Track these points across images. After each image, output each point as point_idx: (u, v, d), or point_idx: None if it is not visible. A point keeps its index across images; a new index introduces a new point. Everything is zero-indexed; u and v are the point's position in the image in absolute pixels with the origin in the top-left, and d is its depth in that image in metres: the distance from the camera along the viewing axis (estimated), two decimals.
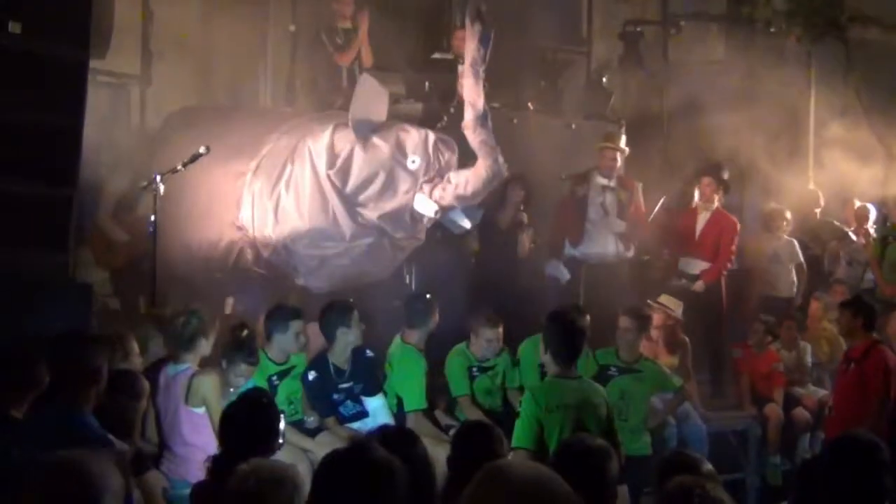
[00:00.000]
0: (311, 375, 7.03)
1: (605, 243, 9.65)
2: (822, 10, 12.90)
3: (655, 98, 13.41)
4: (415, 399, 7.28)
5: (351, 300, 7.42)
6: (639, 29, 13.55)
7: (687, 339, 8.90)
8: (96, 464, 2.87)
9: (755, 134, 12.14)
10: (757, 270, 11.02)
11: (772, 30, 13.50)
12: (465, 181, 8.06)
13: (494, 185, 8.22)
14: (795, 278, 10.92)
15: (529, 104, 10.85)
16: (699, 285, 9.86)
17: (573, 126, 10.62)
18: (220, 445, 4.52)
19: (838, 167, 12.31)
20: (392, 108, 9.61)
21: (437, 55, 10.26)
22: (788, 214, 11.10)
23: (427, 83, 9.70)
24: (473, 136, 7.94)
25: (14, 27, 5.58)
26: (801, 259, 10.95)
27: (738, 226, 10.27)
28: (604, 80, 11.81)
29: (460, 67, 10.19)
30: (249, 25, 11.11)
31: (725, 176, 10.46)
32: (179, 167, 7.69)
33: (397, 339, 7.56)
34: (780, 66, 13.42)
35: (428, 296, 7.62)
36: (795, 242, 11.00)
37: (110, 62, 9.97)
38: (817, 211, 11.98)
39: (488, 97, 10.03)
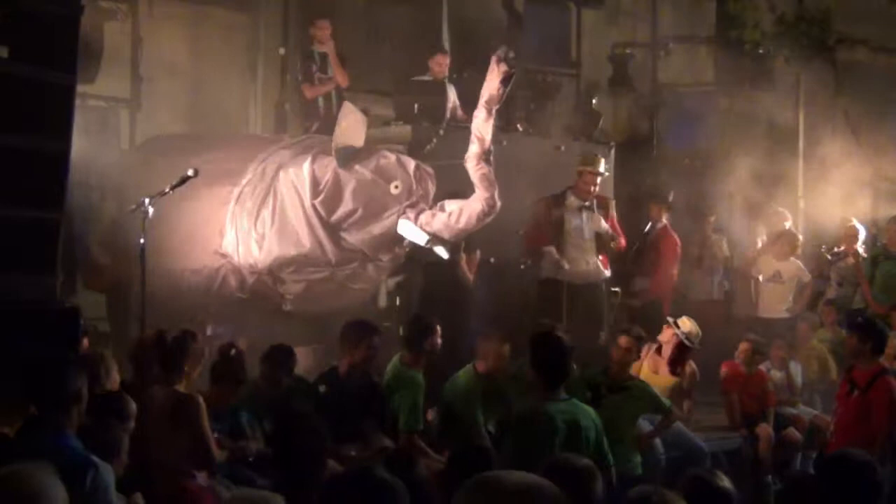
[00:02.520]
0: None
1: (586, 262, 9.65)
2: (811, 33, 13.00)
3: (645, 120, 13.47)
4: (407, 419, 7.27)
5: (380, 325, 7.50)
6: (628, 51, 13.67)
7: (696, 368, 8.85)
8: (38, 476, 2.89)
9: (744, 155, 12.18)
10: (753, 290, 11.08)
11: (760, 52, 13.59)
12: (459, 212, 8.13)
13: (487, 221, 8.25)
14: (791, 298, 10.96)
15: (518, 126, 10.89)
16: (635, 302, 10.43)
17: (562, 148, 10.65)
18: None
19: (827, 188, 12.37)
20: (381, 130, 9.69)
21: (417, 77, 10.32)
22: (801, 238, 11.19)
23: (416, 105, 9.74)
24: (475, 169, 8.02)
25: (1, 51, 5.59)
26: (810, 276, 11.00)
27: (679, 245, 10.62)
28: (593, 101, 11.85)
29: (449, 91, 10.28)
30: (239, 49, 11.16)
31: (671, 198, 10.54)
32: (168, 190, 7.69)
33: (395, 359, 7.57)
34: (769, 88, 13.52)
35: (427, 320, 7.60)
36: (800, 262, 11.05)
37: (100, 86, 10.02)
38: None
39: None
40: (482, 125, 7.97)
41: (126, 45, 10.84)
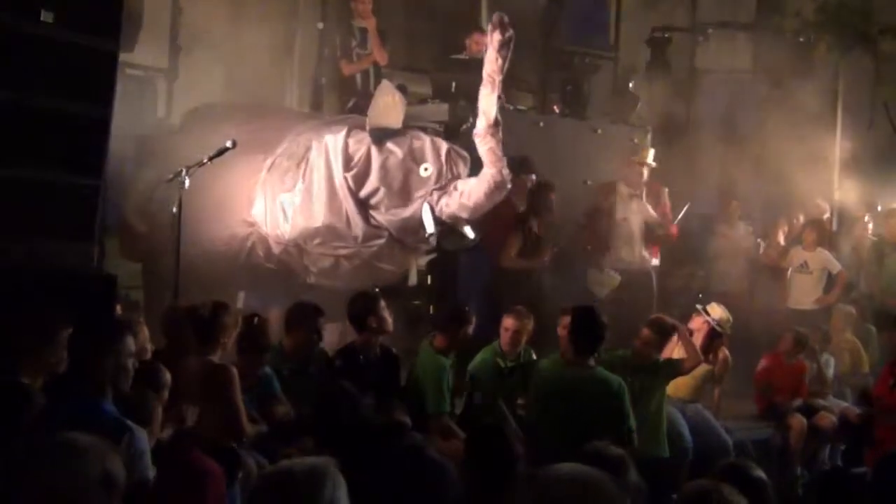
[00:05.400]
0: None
1: (632, 251, 9.67)
2: (853, 22, 12.84)
3: (682, 105, 13.39)
4: (433, 403, 7.26)
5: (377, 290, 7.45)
6: (666, 35, 13.57)
7: (728, 355, 8.82)
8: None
9: (781, 143, 12.10)
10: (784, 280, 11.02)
11: (801, 40, 13.46)
12: (470, 190, 8.08)
13: (498, 198, 8.18)
14: (821, 290, 10.89)
15: (555, 107, 10.84)
16: None
17: (599, 131, 10.60)
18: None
19: (864, 179, 12.28)
20: (418, 108, 9.67)
21: (454, 56, 10.28)
22: (832, 227, 11.13)
23: (454, 84, 9.70)
24: (482, 143, 7.94)
25: (46, 16, 5.58)
26: (840, 266, 10.92)
27: None
28: (630, 85, 11.79)
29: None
30: (278, 22, 11.13)
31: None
32: (206, 160, 7.68)
33: (425, 341, 7.56)
34: (808, 77, 13.38)
35: (463, 309, 7.57)
36: (828, 253, 10.97)
37: (138, 55, 10.02)
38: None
39: (515, 100, 10.08)
40: (486, 99, 7.85)
41: (165, 15, 10.84)
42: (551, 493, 2.63)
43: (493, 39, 7.66)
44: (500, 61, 7.69)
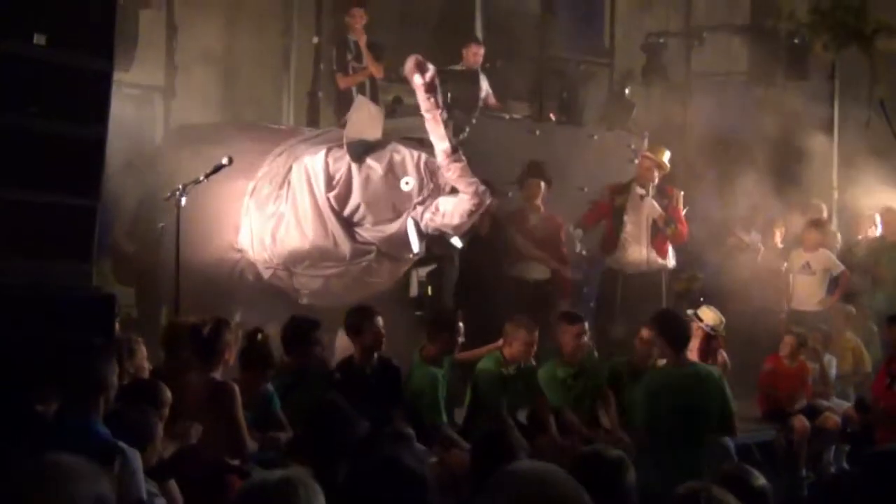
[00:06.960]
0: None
1: (641, 253, 9.68)
2: (847, 22, 12.86)
3: (678, 109, 13.41)
4: (428, 415, 7.25)
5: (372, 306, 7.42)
6: (662, 40, 13.61)
7: (726, 357, 8.81)
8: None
9: (778, 145, 12.11)
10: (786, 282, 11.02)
11: (796, 41, 13.48)
12: (452, 212, 8.04)
13: (479, 215, 8.22)
14: (824, 291, 10.89)
15: (551, 115, 10.86)
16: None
17: (595, 137, 10.62)
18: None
19: (862, 179, 12.28)
20: (413, 119, 9.66)
21: (450, 67, 10.31)
22: (834, 227, 11.12)
23: (449, 94, 9.72)
24: (449, 173, 7.93)
25: (39, 38, 5.60)
26: (842, 267, 10.92)
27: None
28: (626, 91, 11.81)
29: (482, 80, 10.28)
30: (273, 38, 11.18)
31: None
32: (202, 178, 7.70)
33: (416, 353, 7.54)
34: (804, 78, 13.42)
35: (448, 316, 7.56)
36: (830, 253, 10.97)
37: (135, 74, 10.05)
38: None
39: (511, 108, 10.08)
40: (434, 133, 7.89)
41: (161, 33, 10.88)
42: (510, 489, 2.64)
43: (415, 84, 7.73)
44: (431, 100, 7.75)
